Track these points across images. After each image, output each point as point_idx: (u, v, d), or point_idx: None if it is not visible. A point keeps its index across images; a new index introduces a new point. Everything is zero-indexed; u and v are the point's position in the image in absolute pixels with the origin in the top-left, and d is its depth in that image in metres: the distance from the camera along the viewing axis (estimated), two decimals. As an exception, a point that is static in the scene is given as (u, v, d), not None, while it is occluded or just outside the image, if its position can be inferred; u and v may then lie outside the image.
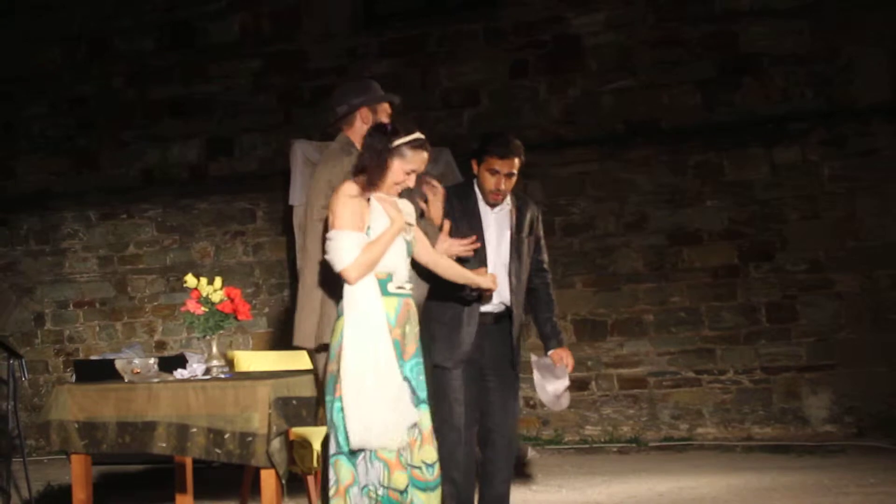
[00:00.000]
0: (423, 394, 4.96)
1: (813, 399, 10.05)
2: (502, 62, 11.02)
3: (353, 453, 4.79)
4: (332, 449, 4.84)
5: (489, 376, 5.83)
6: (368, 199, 4.88)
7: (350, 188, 4.88)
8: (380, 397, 4.70)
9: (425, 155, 4.99)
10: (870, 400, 9.89)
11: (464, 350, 5.71)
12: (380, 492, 4.76)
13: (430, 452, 4.93)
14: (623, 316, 10.57)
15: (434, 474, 4.92)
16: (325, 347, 5.44)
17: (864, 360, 9.91)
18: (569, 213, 10.69)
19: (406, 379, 4.88)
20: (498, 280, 5.68)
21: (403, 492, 4.75)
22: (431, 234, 5.41)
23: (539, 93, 10.91)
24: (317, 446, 6.55)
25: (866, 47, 10.05)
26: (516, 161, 5.85)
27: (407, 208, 5.07)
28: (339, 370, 4.80)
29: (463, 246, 5.51)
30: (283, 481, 5.63)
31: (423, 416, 4.95)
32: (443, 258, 5.29)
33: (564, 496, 7.97)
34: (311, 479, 6.81)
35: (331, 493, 4.85)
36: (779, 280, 10.17)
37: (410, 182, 4.97)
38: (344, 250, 4.77)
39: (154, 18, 12.22)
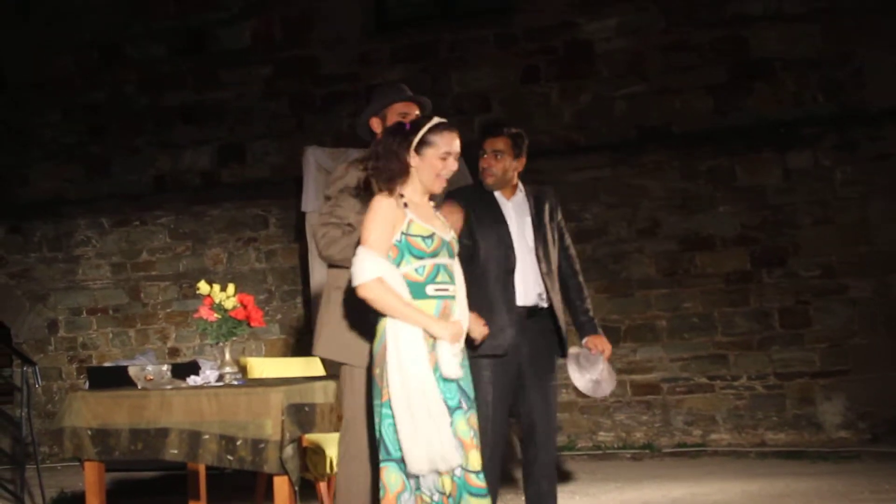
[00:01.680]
0: (470, 396, 4.93)
1: (827, 405, 10.02)
2: (514, 68, 11.02)
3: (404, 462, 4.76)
4: (381, 455, 4.82)
5: (527, 372, 5.81)
6: (405, 205, 4.87)
7: (383, 201, 4.86)
8: (432, 417, 4.69)
9: (454, 134, 4.96)
10: (884, 405, 9.86)
11: (504, 339, 5.67)
12: (435, 497, 4.73)
13: (475, 459, 4.89)
14: (636, 322, 10.56)
15: (483, 481, 4.88)
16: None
17: (877, 366, 9.88)
18: (581, 218, 10.67)
19: (455, 382, 4.85)
20: (527, 267, 5.76)
21: (451, 496, 4.73)
22: None
23: (551, 99, 10.91)
24: (330, 452, 6.56)
25: (878, 51, 10.03)
26: (499, 141, 5.88)
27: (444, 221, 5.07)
28: (381, 374, 4.79)
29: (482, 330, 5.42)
30: (296, 488, 5.63)
31: (472, 418, 4.92)
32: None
33: (578, 502, 7.96)
34: (323, 486, 6.81)
35: (380, 495, 4.82)
36: (792, 285, 10.15)
37: (452, 166, 4.94)
38: (363, 269, 4.76)
39: (166, 25, 12.24)
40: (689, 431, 10.36)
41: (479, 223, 5.77)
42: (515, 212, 5.91)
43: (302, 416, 5.59)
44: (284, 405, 5.52)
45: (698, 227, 10.42)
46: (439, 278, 4.88)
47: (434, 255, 4.86)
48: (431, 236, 4.85)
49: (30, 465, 9.14)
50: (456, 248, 4.99)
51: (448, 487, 4.72)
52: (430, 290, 4.85)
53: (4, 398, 12.11)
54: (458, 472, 4.74)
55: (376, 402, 4.84)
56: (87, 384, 10.06)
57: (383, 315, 4.81)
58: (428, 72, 11.21)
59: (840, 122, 10.08)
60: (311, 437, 6.44)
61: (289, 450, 5.52)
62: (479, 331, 5.27)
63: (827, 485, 7.95)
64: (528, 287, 5.82)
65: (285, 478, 5.56)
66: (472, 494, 4.79)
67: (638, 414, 10.53)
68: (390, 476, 4.76)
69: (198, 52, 12.11)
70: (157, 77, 12.23)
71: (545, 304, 5.87)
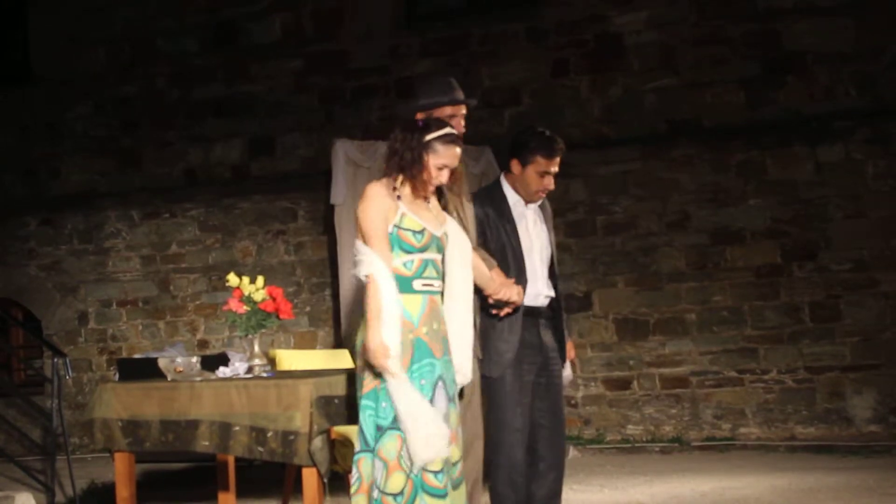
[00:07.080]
0: (451, 391, 4.94)
1: (857, 399, 9.96)
2: (544, 61, 10.99)
3: (375, 452, 4.79)
4: (359, 445, 4.85)
5: (542, 372, 5.80)
6: (399, 197, 4.87)
7: (375, 189, 4.87)
8: (427, 410, 4.73)
9: (457, 150, 4.94)
10: (915, 400, 9.82)
11: (508, 358, 5.65)
12: (374, 493, 4.74)
13: (454, 451, 4.90)
14: (665, 315, 10.52)
15: (458, 472, 4.90)
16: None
17: (908, 361, 9.84)
18: (611, 212, 10.66)
19: (441, 378, 4.86)
20: (540, 272, 5.73)
21: (398, 495, 4.72)
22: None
23: (581, 92, 10.88)
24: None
25: (912, 45, 9.97)
26: (560, 159, 5.83)
27: (452, 224, 5.07)
28: (363, 366, 4.83)
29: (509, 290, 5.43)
30: (325, 480, 5.64)
31: (452, 414, 4.92)
32: (477, 262, 5.25)
33: (606, 496, 7.95)
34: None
35: (352, 489, 4.85)
36: (822, 279, 10.09)
37: (443, 178, 4.92)
38: (367, 263, 4.76)
39: (197, 19, 12.29)
40: (718, 425, 10.33)
41: (493, 234, 5.68)
42: (532, 220, 5.84)
43: (331, 408, 5.60)
44: (314, 397, 5.53)
45: (729, 220, 10.37)
46: (427, 273, 4.90)
47: (423, 250, 4.88)
48: (422, 231, 4.86)
49: (60, 456, 9.18)
50: (446, 243, 4.99)
51: (395, 486, 4.72)
52: (416, 284, 4.87)
53: (35, 389, 12.19)
54: (415, 469, 4.74)
55: (358, 393, 4.88)
56: (118, 376, 10.13)
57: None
58: (458, 65, 11.18)
59: (872, 116, 10.00)
60: (340, 429, 6.45)
61: (318, 442, 5.53)
62: (513, 293, 5.33)
63: (857, 479, 7.91)
64: (539, 290, 5.77)
65: (314, 470, 5.57)
66: (427, 493, 4.80)
67: (667, 407, 10.51)
68: (366, 467, 4.79)
69: (228, 45, 12.15)
70: (188, 71, 12.29)
71: (550, 303, 5.86)
